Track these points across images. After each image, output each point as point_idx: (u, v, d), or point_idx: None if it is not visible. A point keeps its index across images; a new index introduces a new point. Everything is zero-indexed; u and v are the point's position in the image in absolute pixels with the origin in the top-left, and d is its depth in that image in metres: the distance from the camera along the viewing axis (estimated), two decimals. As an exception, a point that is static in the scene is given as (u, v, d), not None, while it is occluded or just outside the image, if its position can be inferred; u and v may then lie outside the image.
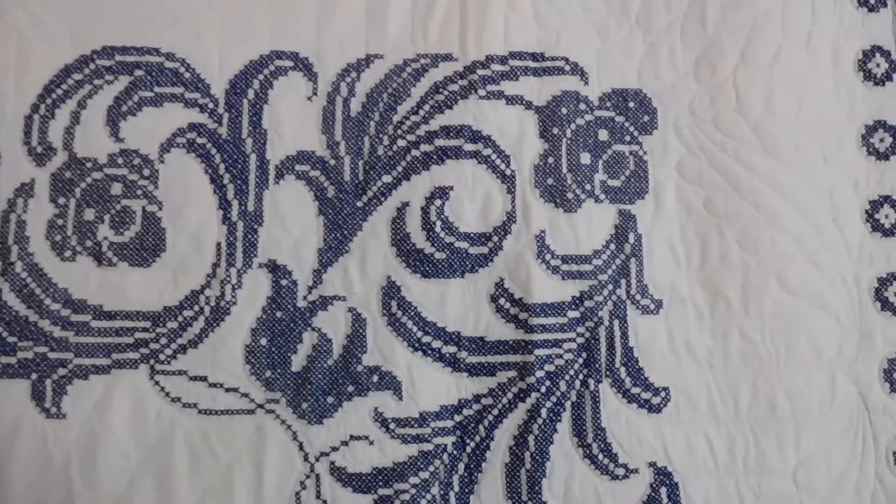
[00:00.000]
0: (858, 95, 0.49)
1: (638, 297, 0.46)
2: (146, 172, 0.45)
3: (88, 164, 0.45)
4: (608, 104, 0.48)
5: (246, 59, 0.46)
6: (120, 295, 0.44)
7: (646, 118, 0.48)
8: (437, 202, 0.46)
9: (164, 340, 0.44)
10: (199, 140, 0.45)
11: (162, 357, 0.43)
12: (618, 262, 0.47)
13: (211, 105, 0.45)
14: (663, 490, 0.45)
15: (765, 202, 0.47)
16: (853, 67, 0.49)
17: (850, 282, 0.48)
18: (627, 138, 0.48)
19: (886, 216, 0.49)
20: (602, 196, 0.47)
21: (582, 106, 0.47)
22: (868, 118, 0.49)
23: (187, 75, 0.45)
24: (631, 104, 0.48)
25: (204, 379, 0.44)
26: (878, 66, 0.50)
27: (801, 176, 0.48)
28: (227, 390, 0.44)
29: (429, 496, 0.44)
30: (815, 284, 0.47)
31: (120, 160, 0.45)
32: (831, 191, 0.48)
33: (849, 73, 0.49)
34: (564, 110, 0.47)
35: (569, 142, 0.47)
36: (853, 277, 0.48)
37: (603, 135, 0.47)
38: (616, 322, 0.46)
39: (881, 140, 0.49)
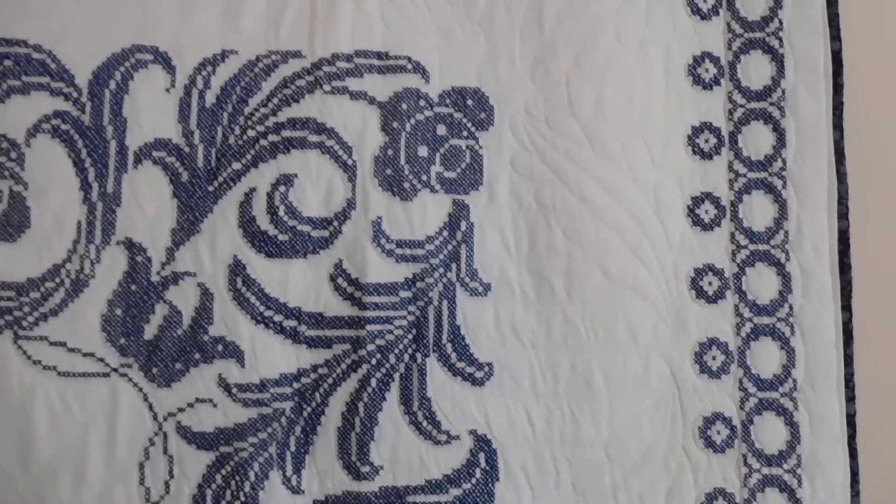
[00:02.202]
0: (687, 98, 0.59)
1: (467, 280, 0.56)
2: (13, 155, 0.54)
3: (-40, 146, 0.54)
4: (447, 101, 0.57)
5: (108, 52, 0.55)
6: (-14, 267, 0.53)
7: (483, 115, 0.57)
8: (282, 188, 0.55)
9: (26, 309, 0.54)
10: (64, 126, 0.55)
11: (25, 324, 0.53)
12: (449, 247, 0.56)
13: (75, 94, 0.55)
14: (482, 455, 0.56)
15: (590, 196, 0.57)
16: (684, 72, 0.59)
17: (669, 271, 0.58)
18: (465, 134, 0.57)
19: (707, 212, 0.59)
20: (437, 186, 0.57)
21: (422, 102, 0.57)
22: (695, 120, 0.59)
23: (53, 66, 0.55)
24: (469, 102, 0.57)
25: (63, 344, 0.54)
26: (707, 71, 0.59)
27: (626, 172, 0.58)
28: (85, 355, 0.54)
29: (266, 454, 0.54)
30: (635, 273, 0.57)
31: (-10, 143, 0.54)
32: (655, 187, 0.58)
33: (679, 77, 0.59)
34: (405, 106, 0.57)
35: (408, 135, 0.57)
36: (672, 267, 0.58)
37: (441, 130, 0.57)
38: (445, 302, 0.56)
39: (706, 141, 0.59)
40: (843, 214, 0.59)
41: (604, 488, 0.57)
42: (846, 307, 0.59)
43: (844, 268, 0.59)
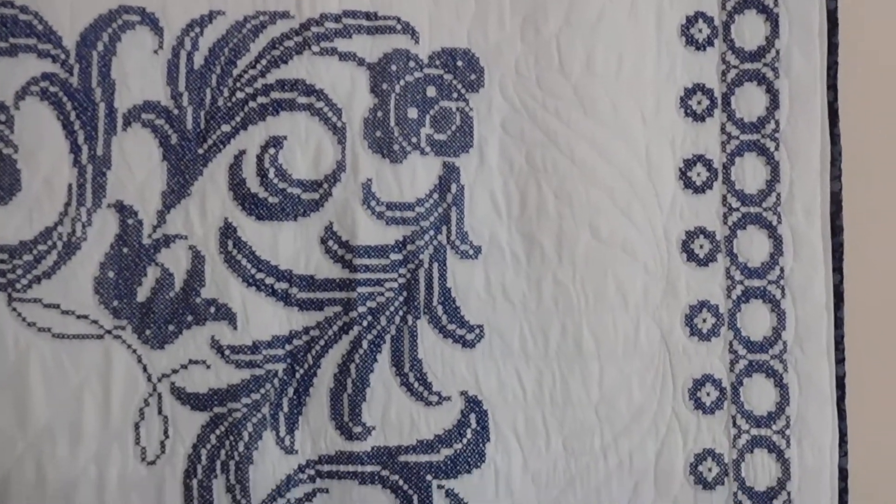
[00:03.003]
0: (679, 59, 0.60)
1: (458, 242, 0.58)
2: (2, 118, 0.56)
3: (-51, 109, 0.55)
4: (437, 63, 0.58)
5: (95, 13, 0.57)
6: (-21, 230, 0.55)
7: (473, 77, 0.59)
8: (272, 151, 0.57)
9: (20, 271, 0.56)
10: (52, 89, 0.56)
11: (18, 286, 0.55)
12: (440, 210, 0.58)
13: (63, 56, 0.56)
14: (473, 416, 0.58)
15: (581, 157, 0.59)
16: (676, 32, 0.60)
17: (660, 233, 0.60)
18: (455, 95, 0.58)
19: (698, 174, 0.60)
20: (427, 149, 0.58)
21: (412, 64, 0.58)
22: (688, 81, 0.60)
23: (40, 27, 0.56)
24: (459, 63, 0.58)
25: (57, 307, 0.56)
26: (700, 31, 0.60)
27: (618, 134, 0.59)
28: (78, 317, 0.56)
29: (259, 415, 0.57)
30: (625, 235, 0.59)
31: (-22, 106, 0.55)
32: (647, 148, 0.60)
33: (672, 37, 0.60)
34: (394, 67, 0.58)
35: (397, 97, 0.58)
36: (663, 230, 0.60)
37: (431, 91, 0.58)
38: (436, 265, 0.58)
39: (699, 102, 0.60)
40: (836, 176, 0.60)
41: (594, 449, 0.59)
42: (837, 269, 0.61)
43: (836, 230, 0.60)
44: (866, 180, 0.61)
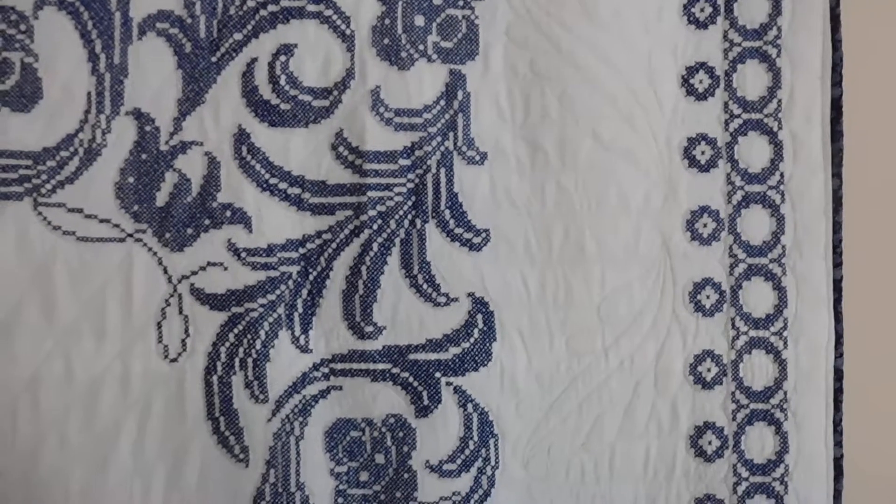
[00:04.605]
0: (682, -34, 0.62)
1: (464, 148, 0.61)
2: (22, 27, 0.59)
3: (-29, 19, 0.59)
4: (443, -30, 0.61)
5: (108, -77, 0.59)
6: (4, 137, 0.59)
7: (478, -16, 0.61)
8: (282, 58, 0.60)
9: (44, 177, 0.59)
10: (69, -3, 0.59)
11: (43, 191, 0.59)
12: (446, 116, 0.61)
13: (78, -35, 0.59)
14: (479, 316, 0.62)
15: (584, 64, 0.61)
16: (680, -61, 0.62)
17: (662, 140, 0.63)
18: (460, 3, 0.61)
19: (700, 81, 0.63)
20: (434, 56, 0.61)
21: (418, -29, 0.61)
22: (691, -12, 0.62)
23: (55, -63, 0.59)
24: (465, -30, 0.61)
25: (80, 211, 0.60)
26: (704, -63, 0.62)
27: (620, 41, 0.62)
28: (101, 221, 0.60)
29: (275, 315, 0.61)
30: (628, 141, 0.62)
31: (-1, 16, 0.59)
32: (649, 56, 0.62)
33: (675, -56, 0.62)
34: (401, -25, 0.60)
35: (404, 4, 0.61)
36: (665, 136, 0.63)
37: (437, -1, 0.61)
38: (443, 170, 0.61)
39: (701, 10, 0.63)
40: (836, 82, 0.63)
41: (595, 349, 0.63)
42: (837, 174, 0.63)
43: (836, 135, 0.63)
44: (867, 85, 0.64)
